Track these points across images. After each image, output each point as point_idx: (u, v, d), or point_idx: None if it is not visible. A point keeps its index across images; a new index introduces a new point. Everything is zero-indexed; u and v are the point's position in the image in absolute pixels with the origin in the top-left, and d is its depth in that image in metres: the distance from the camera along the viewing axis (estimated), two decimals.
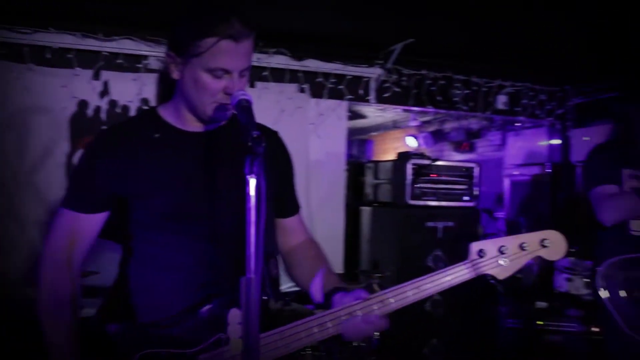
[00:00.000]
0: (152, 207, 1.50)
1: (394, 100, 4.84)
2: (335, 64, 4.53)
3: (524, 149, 6.46)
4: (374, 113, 7.50)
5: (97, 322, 1.55)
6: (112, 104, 3.96)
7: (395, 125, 8.67)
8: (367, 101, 4.78)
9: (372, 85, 4.75)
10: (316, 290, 1.54)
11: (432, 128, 8.04)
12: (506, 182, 6.81)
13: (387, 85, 4.75)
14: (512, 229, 6.36)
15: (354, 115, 6.03)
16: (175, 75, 1.52)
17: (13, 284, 3.59)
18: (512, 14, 3.77)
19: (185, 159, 1.55)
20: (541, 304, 4.64)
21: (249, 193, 1.16)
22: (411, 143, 8.11)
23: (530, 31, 4.14)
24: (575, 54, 4.78)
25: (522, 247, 1.48)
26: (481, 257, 1.47)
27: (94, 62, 3.91)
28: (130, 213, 1.52)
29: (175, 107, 1.60)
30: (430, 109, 5.04)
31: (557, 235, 1.50)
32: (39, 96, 3.77)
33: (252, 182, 1.16)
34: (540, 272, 5.74)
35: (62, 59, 3.84)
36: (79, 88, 3.88)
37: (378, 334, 2.88)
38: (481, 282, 4.78)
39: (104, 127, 3.21)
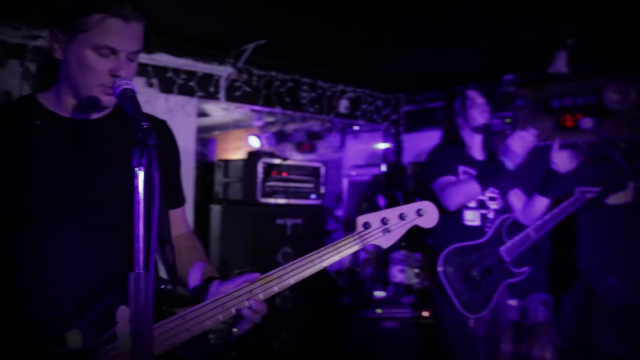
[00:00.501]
0: (34, 197, 1.37)
1: (244, 99, 4.89)
2: (186, 59, 4.47)
3: (362, 151, 6.92)
4: (217, 112, 7.47)
5: None
6: None
7: (238, 125, 8.71)
8: (218, 99, 4.77)
9: (223, 83, 4.75)
10: (194, 279, 1.54)
11: (275, 129, 8.23)
12: (345, 182, 7.23)
13: (237, 84, 4.79)
14: (351, 225, 6.76)
15: (198, 114, 5.97)
16: (58, 54, 1.41)
17: None
18: (354, 24, 4.05)
19: (67, 148, 1.44)
20: (379, 294, 5.01)
21: (137, 186, 1.13)
22: (254, 143, 8.21)
23: (367, 41, 4.48)
24: (407, 66, 5.27)
25: (401, 217, 1.55)
26: (367, 229, 1.53)
27: None
28: (12, 203, 1.38)
29: (57, 93, 1.48)
30: (278, 110, 5.18)
31: (431, 205, 1.60)
32: None
33: (141, 175, 1.14)
34: (376, 265, 6.20)
35: None
36: None
37: (237, 329, 2.87)
38: (324, 277, 5.02)
39: None
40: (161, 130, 1.68)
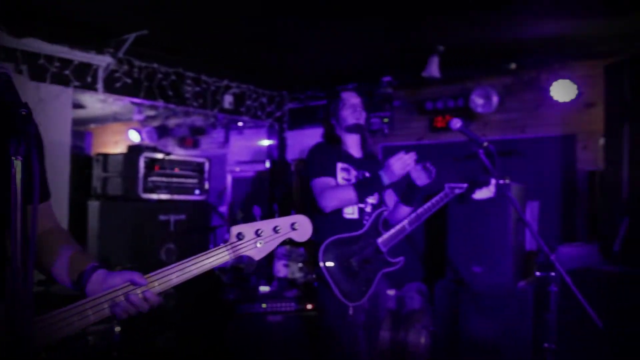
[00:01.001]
0: None
1: (124, 91, 4.70)
2: (61, 46, 4.20)
3: (246, 147, 6.93)
4: (94, 104, 7.09)
5: None
6: None
7: (117, 118, 8.33)
8: (96, 90, 4.54)
9: (101, 73, 4.53)
10: (61, 272, 1.49)
11: (156, 123, 7.98)
12: (229, 178, 7.19)
13: (117, 75, 4.59)
14: (235, 222, 6.74)
15: (73, 105, 5.63)
16: None
17: None
18: (238, 20, 4.06)
19: None
20: (263, 289, 5.05)
21: (14, 176, 1.08)
22: (134, 137, 7.91)
23: (252, 38, 4.51)
24: (291, 65, 5.37)
25: (275, 230, 1.57)
26: (240, 239, 1.53)
27: None
28: None
29: None
30: (161, 104, 5.04)
31: (304, 219, 1.62)
32: None
33: (19, 165, 1.09)
34: (260, 260, 6.23)
35: None
36: None
37: (119, 328, 2.79)
38: (208, 274, 4.97)
39: None
40: None
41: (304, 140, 6.18)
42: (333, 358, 2.89)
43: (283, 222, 1.59)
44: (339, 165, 3.01)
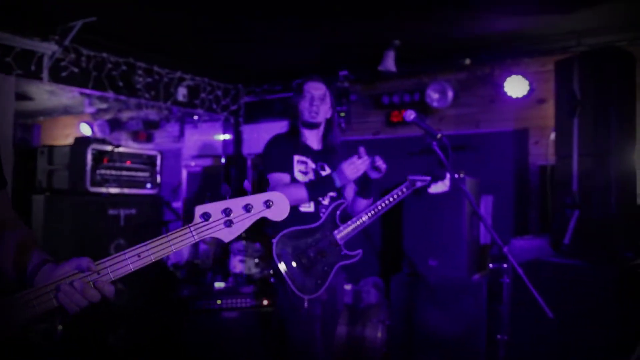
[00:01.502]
0: None
1: (71, 81, 4.51)
2: (2, 32, 3.98)
3: (201, 141, 6.79)
4: (42, 95, 6.82)
5: None
6: None
7: (67, 111, 8.06)
8: (41, 79, 4.34)
9: (46, 62, 4.33)
10: (9, 265, 1.39)
11: (108, 116, 7.75)
12: (184, 173, 7.04)
13: (64, 64, 4.40)
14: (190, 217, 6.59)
15: (18, 96, 5.40)
16: None
17: None
18: (191, 10, 3.95)
19: None
20: (219, 285, 4.96)
21: None
22: (85, 130, 7.67)
23: (206, 30, 4.40)
24: (246, 57, 5.28)
25: (247, 209, 1.41)
26: (205, 220, 1.38)
27: None
28: None
29: None
30: (111, 95, 4.86)
31: (280, 195, 1.46)
32: None
33: None
34: (216, 256, 6.13)
35: None
36: None
37: (61, 326, 2.67)
38: (162, 270, 4.84)
39: None
40: None
41: (260, 134, 6.10)
42: (289, 351, 2.84)
43: (256, 199, 1.43)
44: (296, 157, 2.97)
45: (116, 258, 1.36)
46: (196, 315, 4.55)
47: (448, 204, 4.11)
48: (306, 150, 3.02)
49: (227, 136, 6.50)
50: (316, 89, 3.00)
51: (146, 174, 4.50)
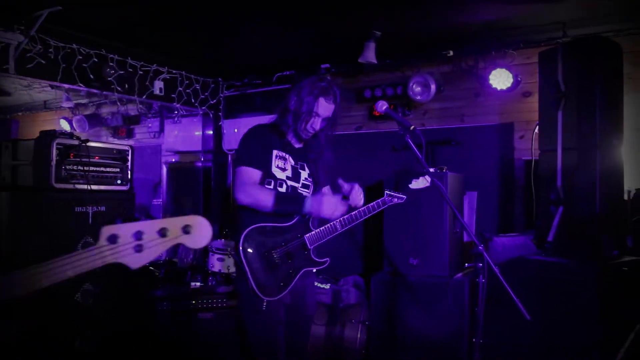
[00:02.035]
0: None
1: (38, 73, 4.33)
2: None
3: (181, 137, 6.61)
4: (19, 90, 6.65)
5: None
6: None
7: (47, 107, 7.90)
8: (7, 70, 4.15)
9: (12, 53, 4.15)
10: None
11: (88, 111, 7.58)
12: (164, 169, 6.87)
13: (30, 55, 4.22)
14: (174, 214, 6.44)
15: None
16: None
17: None
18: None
19: None
20: (195, 284, 4.81)
21: None
22: (64, 126, 7.50)
23: (182, 21, 4.23)
24: (226, 51, 5.11)
25: (161, 234, 1.32)
26: (112, 243, 1.27)
27: None
28: None
29: None
30: (82, 88, 4.68)
31: (201, 220, 1.35)
32: None
33: None
34: (195, 255, 5.97)
35: None
36: None
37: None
38: (140, 268, 4.71)
39: None
40: None
41: (241, 129, 5.93)
42: (248, 353, 2.68)
43: (173, 223, 1.32)
44: (275, 152, 2.78)
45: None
46: (170, 316, 4.40)
47: (430, 200, 3.96)
48: (287, 147, 2.84)
49: (210, 132, 6.33)
50: (327, 110, 2.77)
51: (116, 170, 4.32)
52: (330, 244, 2.84)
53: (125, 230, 1.28)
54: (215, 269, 4.98)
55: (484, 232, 4.13)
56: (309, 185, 2.92)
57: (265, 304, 2.61)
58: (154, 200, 6.90)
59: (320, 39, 4.76)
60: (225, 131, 6.14)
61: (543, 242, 3.58)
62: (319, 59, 5.37)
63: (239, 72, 5.88)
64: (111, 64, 4.71)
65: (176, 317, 4.44)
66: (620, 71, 3.65)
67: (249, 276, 2.60)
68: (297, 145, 2.89)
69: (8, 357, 3.35)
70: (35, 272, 1.20)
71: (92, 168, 4.12)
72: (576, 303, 3.22)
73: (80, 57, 4.51)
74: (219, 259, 5.01)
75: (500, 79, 4.56)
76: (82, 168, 4.04)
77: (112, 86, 4.78)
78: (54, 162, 3.86)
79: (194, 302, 4.49)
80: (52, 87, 4.92)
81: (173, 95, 5.42)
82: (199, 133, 6.35)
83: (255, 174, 2.71)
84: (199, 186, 6.28)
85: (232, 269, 4.99)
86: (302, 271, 2.76)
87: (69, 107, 7.33)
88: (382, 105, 2.69)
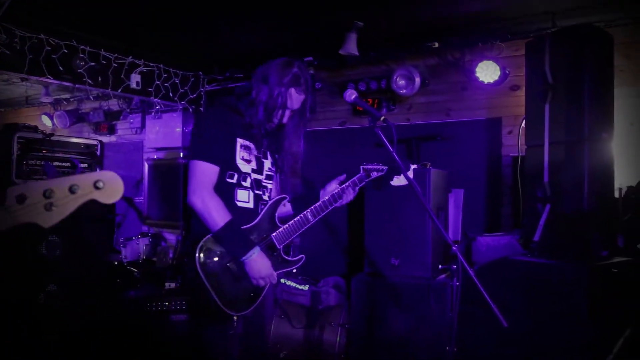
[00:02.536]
0: None
1: (3, 64, 4.13)
2: None
3: (162, 132, 6.41)
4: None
5: None
6: None
7: (30, 102, 7.71)
8: None
9: None
10: None
11: (70, 107, 7.39)
12: (146, 166, 6.68)
13: None
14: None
15: None
16: None
17: None
18: None
19: None
20: (170, 285, 4.63)
21: None
22: (46, 122, 7.31)
23: (159, 11, 4.05)
24: (207, 44, 4.92)
25: (72, 191, 1.27)
26: (21, 203, 1.21)
27: None
28: None
29: None
30: (52, 80, 4.47)
31: (112, 175, 1.32)
32: None
33: None
34: (175, 254, 5.79)
35: None
36: None
37: None
38: (117, 267, 4.50)
39: None
40: None
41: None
42: None
43: (83, 179, 1.28)
44: (240, 141, 2.45)
45: None
46: (142, 317, 4.24)
47: (412, 197, 3.76)
48: (250, 133, 2.48)
49: (190, 128, 6.13)
50: (297, 102, 2.51)
51: (84, 165, 4.14)
52: (313, 243, 2.63)
53: (33, 190, 1.24)
54: None
55: (468, 232, 3.95)
56: (272, 176, 2.65)
57: (235, 320, 2.35)
58: (136, 198, 6.71)
59: (303, 32, 4.59)
60: None
61: (529, 242, 3.40)
62: (302, 52, 5.18)
63: (219, 66, 5.69)
64: (82, 55, 4.50)
65: (149, 318, 4.27)
66: (611, 62, 3.48)
67: (213, 294, 2.31)
68: (263, 132, 2.54)
69: None
70: None
71: (57, 163, 3.92)
72: (562, 305, 3.05)
73: (49, 48, 4.31)
74: None
75: (487, 72, 4.38)
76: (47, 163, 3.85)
77: (84, 79, 4.57)
78: (15, 157, 3.67)
79: (167, 303, 4.32)
80: (22, 79, 4.70)
81: (150, 89, 5.21)
82: (179, 129, 6.15)
83: (212, 171, 2.37)
84: (179, 182, 6.08)
85: None
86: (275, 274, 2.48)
87: (49, 102, 7.14)
88: (351, 95, 2.50)
